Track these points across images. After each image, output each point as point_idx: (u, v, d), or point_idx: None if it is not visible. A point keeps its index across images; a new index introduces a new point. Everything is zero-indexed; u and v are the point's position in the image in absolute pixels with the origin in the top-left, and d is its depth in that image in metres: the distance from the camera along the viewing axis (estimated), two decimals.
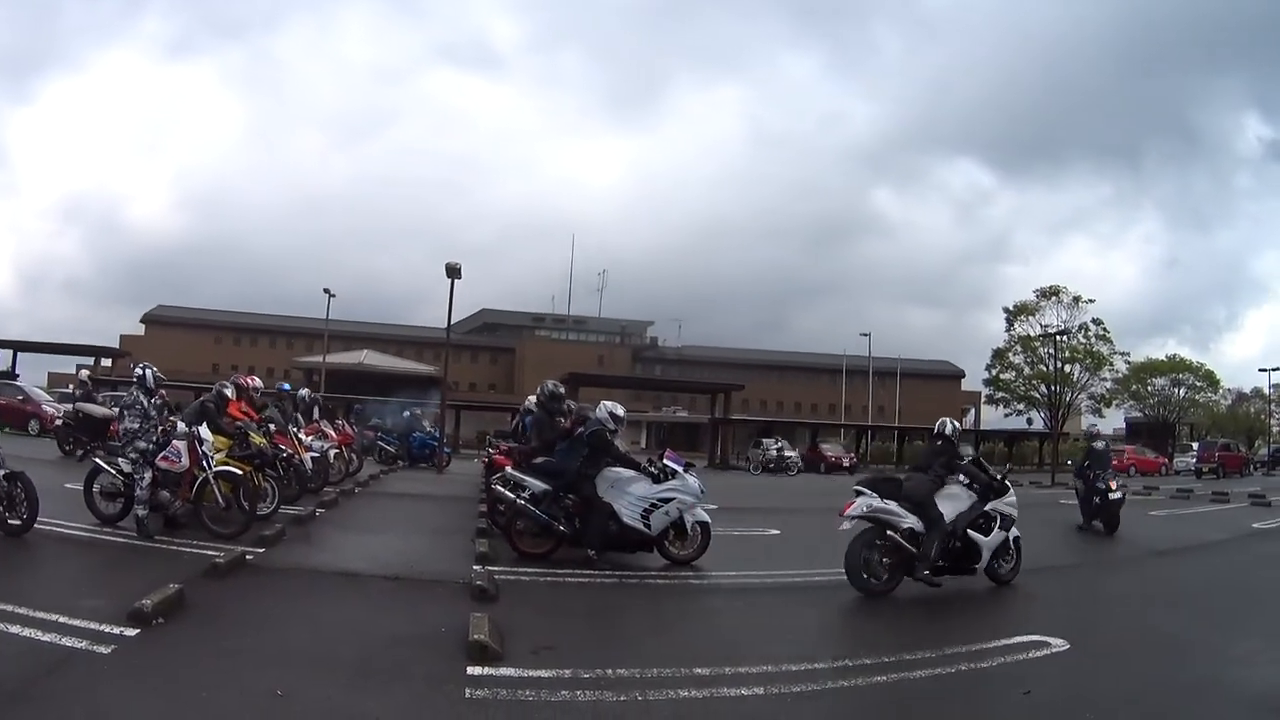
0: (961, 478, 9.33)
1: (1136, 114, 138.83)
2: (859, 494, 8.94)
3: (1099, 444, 17.50)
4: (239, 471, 10.51)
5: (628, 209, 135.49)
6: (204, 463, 10.02)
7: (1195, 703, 5.36)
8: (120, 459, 10.01)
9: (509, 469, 10.35)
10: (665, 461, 10.20)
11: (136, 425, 9.90)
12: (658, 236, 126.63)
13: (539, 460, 10.25)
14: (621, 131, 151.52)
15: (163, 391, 10.76)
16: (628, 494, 9.81)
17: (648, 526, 9.78)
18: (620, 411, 10.30)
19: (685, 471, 10.19)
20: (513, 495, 9.98)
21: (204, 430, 10.28)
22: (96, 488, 10.19)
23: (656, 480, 9.92)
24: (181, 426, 10.17)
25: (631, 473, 9.97)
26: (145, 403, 9.99)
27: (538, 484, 9.81)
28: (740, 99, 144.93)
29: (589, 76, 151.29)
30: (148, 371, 10.32)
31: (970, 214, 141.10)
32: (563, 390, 11.77)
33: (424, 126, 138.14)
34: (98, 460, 10.45)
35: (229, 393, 12.11)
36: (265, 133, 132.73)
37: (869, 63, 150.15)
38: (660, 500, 9.81)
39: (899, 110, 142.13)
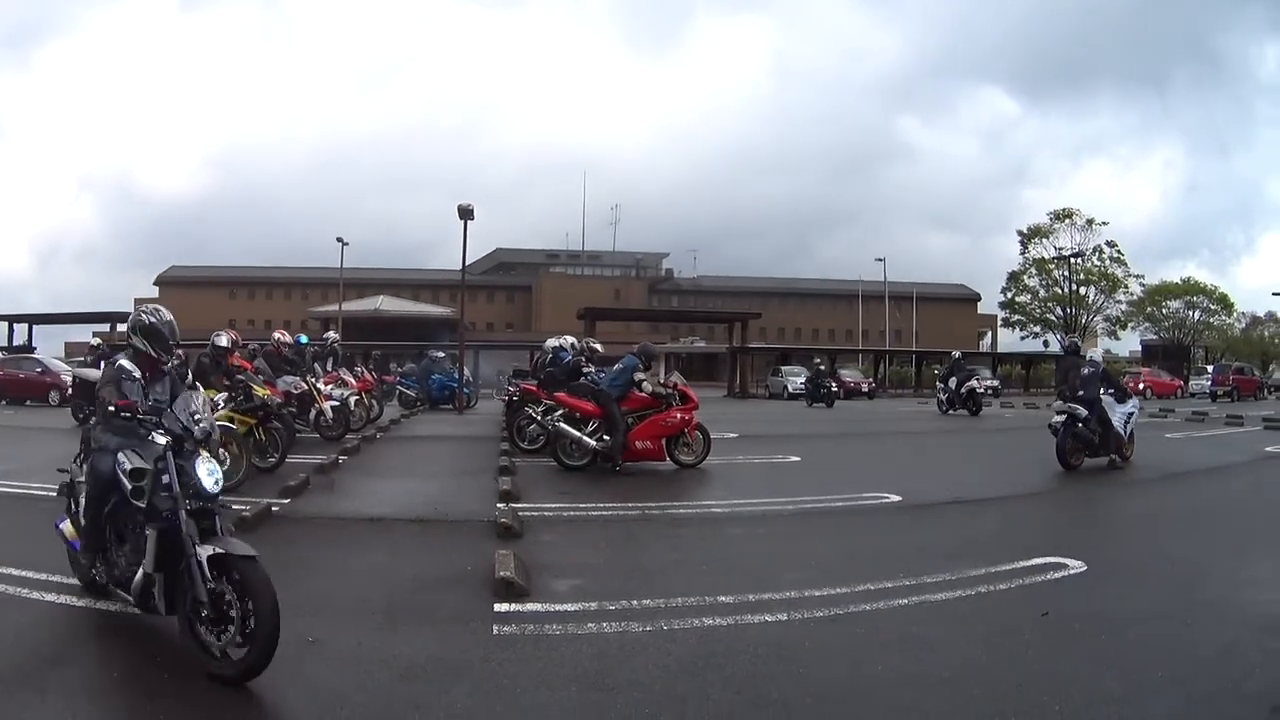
0: None
1: (1161, 40, 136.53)
2: None
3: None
4: (234, 427, 10.46)
5: (644, 144, 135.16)
6: None
7: (1207, 624, 5.38)
8: None
9: (1059, 402, 13.31)
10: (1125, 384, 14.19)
11: None
12: (674, 170, 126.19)
13: (1079, 394, 13.03)
14: (641, 66, 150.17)
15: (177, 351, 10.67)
16: (1117, 411, 13.08)
17: (1124, 433, 13.26)
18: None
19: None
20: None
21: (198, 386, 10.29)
22: None
23: (1119, 401, 13.27)
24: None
25: (1111, 397, 13.18)
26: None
27: (1080, 410, 12.75)
28: (763, 30, 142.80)
29: (610, 9, 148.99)
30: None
31: (993, 140, 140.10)
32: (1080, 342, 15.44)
33: (439, 68, 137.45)
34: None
35: (223, 342, 12.02)
36: (277, 83, 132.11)
37: None
38: (1129, 414, 13.39)
39: (923, 38, 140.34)
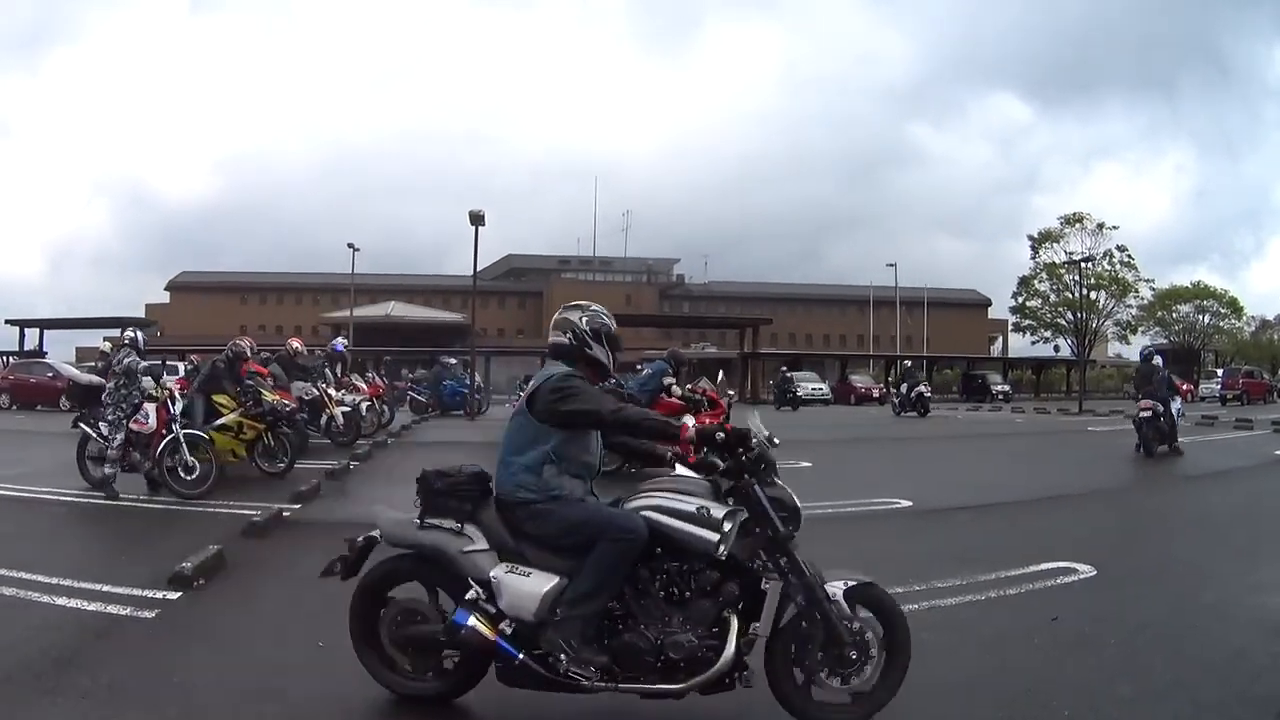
0: None
1: (1169, 44, 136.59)
2: None
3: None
4: (205, 436, 10.40)
5: (656, 150, 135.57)
6: (170, 424, 10.02)
7: (1216, 628, 5.35)
8: (100, 423, 10.16)
9: (1145, 400, 15.76)
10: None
11: (111, 386, 10.18)
12: (686, 176, 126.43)
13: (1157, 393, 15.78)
14: (652, 72, 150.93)
15: (150, 363, 10.88)
16: (1173, 407, 15.80)
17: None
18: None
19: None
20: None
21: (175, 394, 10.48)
22: (88, 453, 10.43)
23: (1171, 398, 15.75)
24: (147, 383, 10.25)
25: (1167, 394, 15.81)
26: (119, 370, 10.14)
27: (1160, 406, 15.40)
28: (774, 35, 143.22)
29: (620, 15, 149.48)
30: (138, 335, 10.60)
31: (1004, 146, 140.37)
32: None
33: (451, 72, 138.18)
34: (83, 426, 10.64)
35: (244, 345, 12.16)
36: (287, 87, 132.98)
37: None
38: (1178, 409, 16.31)
39: (935, 44, 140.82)
